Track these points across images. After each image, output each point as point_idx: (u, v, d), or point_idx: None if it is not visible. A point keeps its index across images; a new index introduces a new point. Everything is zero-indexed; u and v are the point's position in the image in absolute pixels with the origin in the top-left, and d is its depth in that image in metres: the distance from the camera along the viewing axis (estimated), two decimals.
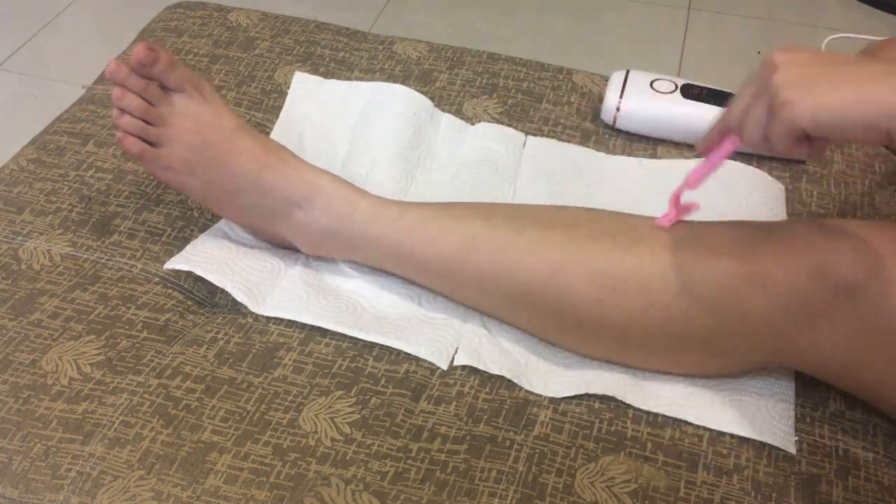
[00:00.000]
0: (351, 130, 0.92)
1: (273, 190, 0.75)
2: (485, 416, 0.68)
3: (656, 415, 0.68)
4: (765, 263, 0.63)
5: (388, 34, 1.08)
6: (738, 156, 0.89)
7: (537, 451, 0.66)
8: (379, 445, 0.65)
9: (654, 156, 0.91)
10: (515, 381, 0.70)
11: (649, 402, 0.69)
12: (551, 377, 0.71)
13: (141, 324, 0.73)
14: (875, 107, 0.54)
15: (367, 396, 0.69)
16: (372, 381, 0.70)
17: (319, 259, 0.80)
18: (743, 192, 0.85)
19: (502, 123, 0.93)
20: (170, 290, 0.77)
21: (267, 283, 0.77)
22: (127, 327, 0.73)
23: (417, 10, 2.03)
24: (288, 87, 0.97)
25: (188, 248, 0.80)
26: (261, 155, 0.75)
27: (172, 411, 0.67)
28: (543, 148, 0.91)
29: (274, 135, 0.91)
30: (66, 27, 1.99)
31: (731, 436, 0.67)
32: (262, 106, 0.95)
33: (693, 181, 0.68)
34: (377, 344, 0.72)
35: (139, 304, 0.75)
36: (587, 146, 0.92)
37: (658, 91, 0.92)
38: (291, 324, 0.74)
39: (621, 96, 0.92)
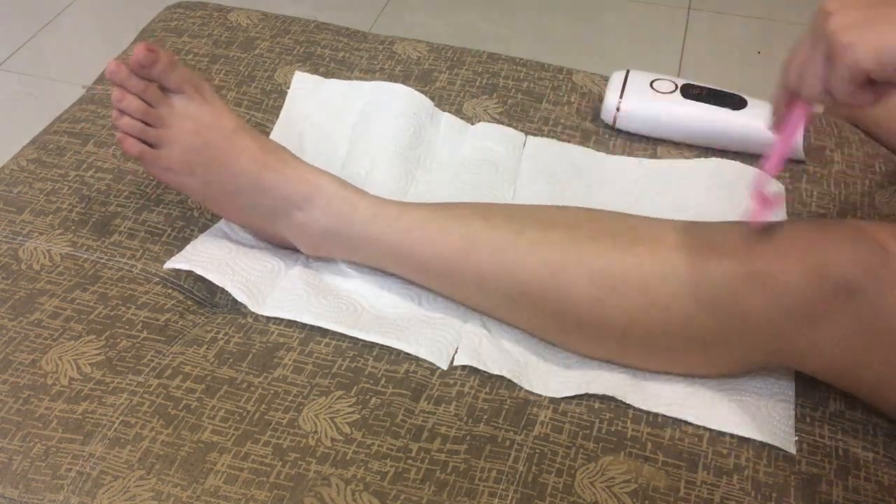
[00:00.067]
0: (351, 130, 0.92)
1: (273, 190, 0.75)
2: (485, 416, 0.68)
3: (656, 415, 0.68)
4: (765, 263, 0.63)
5: (388, 34, 1.08)
6: (738, 156, 0.89)
7: (537, 451, 0.66)
8: (379, 445, 0.65)
9: (654, 156, 0.91)
10: (515, 381, 0.70)
11: (649, 402, 0.69)
12: (551, 377, 0.71)
13: (141, 324, 0.73)
14: None
15: (367, 396, 0.69)
16: (372, 381, 0.70)
17: (319, 259, 0.80)
18: (743, 192, 0.85)
19: (502, 123, 0.93)
20: (170, 290, 0.77)
21: (267, 283, 0.77)
22: (127, 327, 0.73)
23: (417, 10, 2.04)
24: (288, 87, 0.97)
25: (188, 247, 0.80)
26: (260, 155, 0.75)
27: (172, 411, 0.67)
28: (543, 148, 0.91)
29: (274, 135, 0.91)
30: (66, 27, 1.99)
31: (731, 436, 0.67)
32: (262, 106, 0.95)
33: (773, 166, 0.65)
34: (377, 344, 0.72)
35: (139, 304, 0.75)
36: (587, 146, 0.92)
37: (658, 91, 0.92)
38: (291, 324, 0.74)
39: (621, 96, 0.92)
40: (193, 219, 0.83)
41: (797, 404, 0.70)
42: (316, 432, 0.66)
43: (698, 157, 0.90)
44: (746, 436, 0.67)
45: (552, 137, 0.92)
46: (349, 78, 0.99)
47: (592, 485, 0.63)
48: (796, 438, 0.67)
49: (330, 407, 0.68)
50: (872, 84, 0.57)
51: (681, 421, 0.68)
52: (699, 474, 0.64)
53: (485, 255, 0.71)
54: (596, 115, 0.95)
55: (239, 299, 0.76)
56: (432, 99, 0.94)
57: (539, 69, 1.01)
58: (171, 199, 0.85)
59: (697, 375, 0.71)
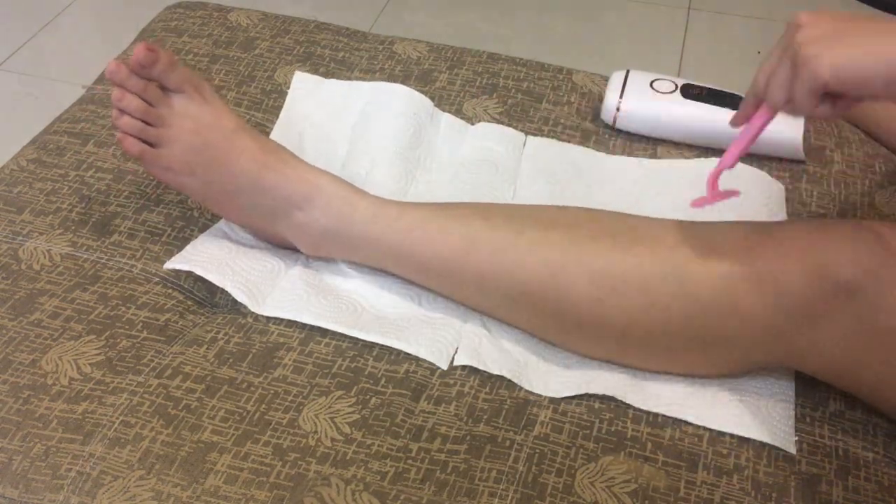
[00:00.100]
0: (351, 130, 0.92)
1: (273, 190, 0.75)
2: (485, 416, 0.68)
3: (656, 415, 0.68)
4: (765, 263, 0.63)
5: (388, 34, 1.08)
6: None
7: (537, 451, 0.66)
8: (379, 445, 0.65)
9: (654, 156, 0.91)
10: (515, 381, 0.70)
11: (649, 402, 0.69)
12: (551, 377, 0.71)
13: (141, 324, 0.73)
14: None
15: (367, 396, 0.69)
16: (372, 381, 0.70)
17: (319, 259, 0.80)
18: (743, 192, 0.85)
19: (502, 123, 0.93)
20: (170, 290, 0.77)
21: (267, 283, 0.77)
22: (127, 327, 0.73)
23: (417, 10, 2.04)
24: (288, 87, 0.97)
25: (188, 247, 0.80)
26: (260, 155, 0.75)
27: (172, 411, 0.67)
28: (543, 148, 0.91)
29: (274, 135, 0.91)
30: (66, 27, 1.99)
31: (731, 436, 0.67)
32: (262, 106, 0.95)
33: (729, 160, 0.66)
34: (377, 344, 0.72)
35: (139, 304, 0.75)
36: (587, 146, 0.92)
37: (658, 91, 0.92)
38: (291, 324, 0.74)
39: (621, 96, 0.92)
40: (193, 219, 0.83)
41: (797, 404, 0.70)
42: (316, 432, 0.66)
43: (698, 157, 0.90)
44: (746, 436, 0.67)
45: (552, 137, 0.92)
46: (349, 78, 0.99)
47: (592, 485, 0.63)
48: (796, 438, 0.67)
49: (330, 407, 0.68)
50: (832, 98, 0.59)
51: (681, 421, 0.68)
52: (699, 474, 0.64)
53: (485, 255, 0.71)
54: (596, 115, 0.95)
55: (239, 299, 0.76)
56: (432, 99, 0.94)
57: (539, 69, 1.01)
58: (171, 199, 0.85)
59: (697, 375, 0.71)
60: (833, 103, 0.59)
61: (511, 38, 1.95)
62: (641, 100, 0.92)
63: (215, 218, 0.83)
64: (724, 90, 0.93)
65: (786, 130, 0.88)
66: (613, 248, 0.68)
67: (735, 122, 0.68)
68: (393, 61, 1.02)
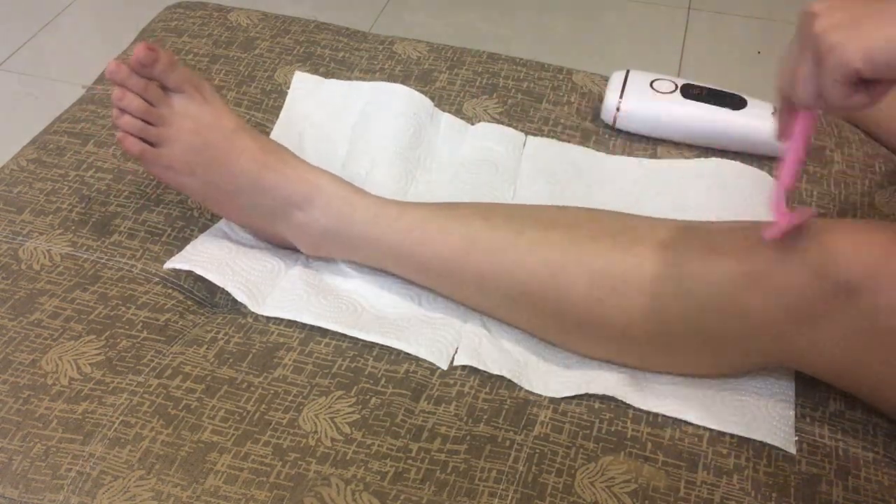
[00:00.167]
0: (351, 130, 0.92)
1: (273, 190, 0.75)
2: (485, 416, 0.68)
3: (656, 415, 0.68)
4: (765, 263, 0.63)
5: (388, 34, 1.08)
6: (738, 156, 0.89)
7: (537, 451, 0.66)
8: (379, 445, 0.65)
9: (654, 156, 0.91)
10: (515, 381, 0.70)
11: (649, 402, 0.69)
12: (551, 377, 0.71)
13: (141, 324, 0.73)
14: None
15: (367, 396, 0.69)
16: (372, 381, 0.70)
17: (319, 259, 0.80)
18: (743, 193, 0.85)
19: (502, 123, 0.93)
20: (170, 290, 0.77)
21: (267, 283, 0.77)
22: (127, 327, 0.73)
23: (417, 10, 2.03)
24: (288, 87, 0.97)
25: (188, 247, 0.80)
26: (261, 155, 0.75)
27: (172, 411, 0.67)
28: (543, 148, 0.91)
29: (274, 135, 0.91)
30: (66, 27, 1.99)
31: (731, 436, 0.67)
32: (262, 106, 0.95)
33: (787, 177, 0.63)
34: (377, 344, 0.72)
35: (139, 304, 0.75)
36: (587, 146, 0.92)
37: (658, 91, 0.92)
38: (291, 324, 0.74)
39: (621, 96, 0.92)
40: (193, 219, 0.83)
41: (797, 404, 0.70)
42: (316, 432, 0.66)
43: (698, 157, 0.90)
44: (746, 436, 0.67)
45: (552, 137, 0.92)
46: (349, 78, 0.99)
47: (592, 485, 0.63)
48: (796, 438, 0.67)
49: (330, 407, 0.68)
50: (865, 85, 0.56)
51: (681, 421, 0.68)
52: (699, 474, 0.64)
53: (485, 255, 0.71)
54: (596, 115, 0.95)
55: (239, 299, 0.76)
56: (432, 99, 0.94)
57: (539, 69, 1.01)
58: (171, 199, 0.85)
59: (697, 375, 0.71)
60: (867, 90, 0.56)
61: (511, 38, 1.95)
62: (641, 100, 0.92)
63: (215, 218, 0.83)
64: (724, 90, 0.93)
65: None
66: (613, 248, 0.68)
67: (780, 136, 0.64)
68: (393, 61, 1.02)
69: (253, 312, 0.75)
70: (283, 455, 0.64)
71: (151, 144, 0.75)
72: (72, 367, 0.70)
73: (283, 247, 0.80)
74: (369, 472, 0.64)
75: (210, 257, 0.78)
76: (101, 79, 1.01)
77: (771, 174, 0.87)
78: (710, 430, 0.67)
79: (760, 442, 0.66)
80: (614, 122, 0.93)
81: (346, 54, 1.02)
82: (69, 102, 0.98)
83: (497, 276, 0.70)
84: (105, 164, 0.88)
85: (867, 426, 0.69)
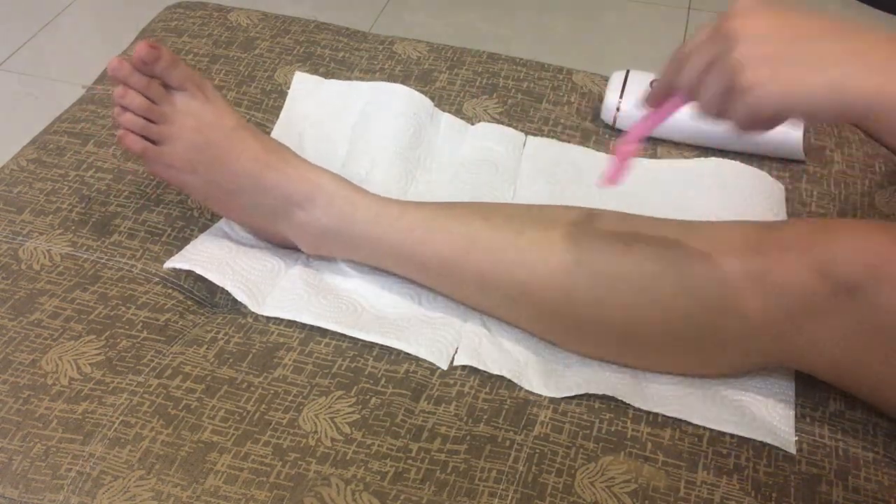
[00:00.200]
0: (351, 130, 0.92)
1: (274, 189, 0.75)
2: (485, 416, 0.68)
3: (656, 415, 0.68)
4: (765, 263, 0.63)
5: (388, 34, 1.08)
6: (738, 156, 0.89)
7: (537, 451, 0.66)
8: (379, 445, 0.65)
9: (654, 156, 0.91)
10: (515, 381, 0.70)
11: (649, 402, 0.69)
12: (551, 377, 0.71)
13: (141, 324, 0.73)
14: (851, 95, 0.49)
15: (367, 396, 0.69)
16: (372, 381, 0.70)
17: (319, 259, 0.80)
18: (743, 192, 0.85)
19: (502, 123, 0.93)
20: (170, 290, 0.77)
21: (267, 283, 0.77)
22: (127, 327, 0.73)
23: (417, 10, 2.04)
24: (288, 87, 0.97)
25: (188, 247, 0.80)
26: (262, 154, 0.75)
27: (172, 411, 0.67)
28: (543, 148, 0.91)
29: (274, 135, 0.91)
30: (66, 27, 1.99)
31: (731, 436, 0.67)
32: (262, 106, 0.95)
33: (634, 137, 0.62)
34: (377, 344, 0.72)
35: (139, 304, 0.75)
36: (587, 146, 0.92)
37: None
38: (291, 324, 0.74)
39: (621, 96, 0.92)
40: (193, 219, 0.83)
41: (797, 404, 0.70)
42: (316, 432, 0.66)
43: (698, 157, 0.90)
44: (746, 436, 0.67)
45: (552, 137, 0.92)
46: (349, 78, 0.99)
47: (592, 485, 0.63)
48: (796, 438, 0.67)
49: (330, 407, 0.68)
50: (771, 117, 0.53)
51: (681, 421, 0.68)
52: (699, 474, 0.64)
53: (485, 255, 0.71)
54: (596, 115, 0.95)
55: (239, 299, 0.76)
56: (432, 99, 0.94)
57: (539, 69, 1.01)
58: (171, 199, 0.85)
59: (698, 375, 0.71)
60: (770, 122, 0.54)
61: (511, 38, 1.95)
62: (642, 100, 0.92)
63: (215, 218, 0.83)
64: None
65: (786, 130, 0.88)
66: (614, 247, 0.68)
67: (651, 104, 0.62)
68: (393, 61, 1.02)
69: (253, 312, 0.75)
70: (283, 455, 0.64)
71: (153, 142, 0.75)
72: (72, 367, 0.70)
73: (284, 246, 0.80)
74: (369, 472, 0.64)
75: (210, 257, 0.78)
76: (101, 79, 1.01)
77: (771, 174, 0.87)
78: (710, 430, 0.67)
79: (760, 442, 0.66)
80: (614, 122, 0.93)
81: (346, 54, 1.02)
82: (69, 102, 0.98)
83: (497, 275, 0.70)
84: (105, 164, 0.88)
85: (867, 426, 0.69)
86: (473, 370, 0.71)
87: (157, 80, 0.74)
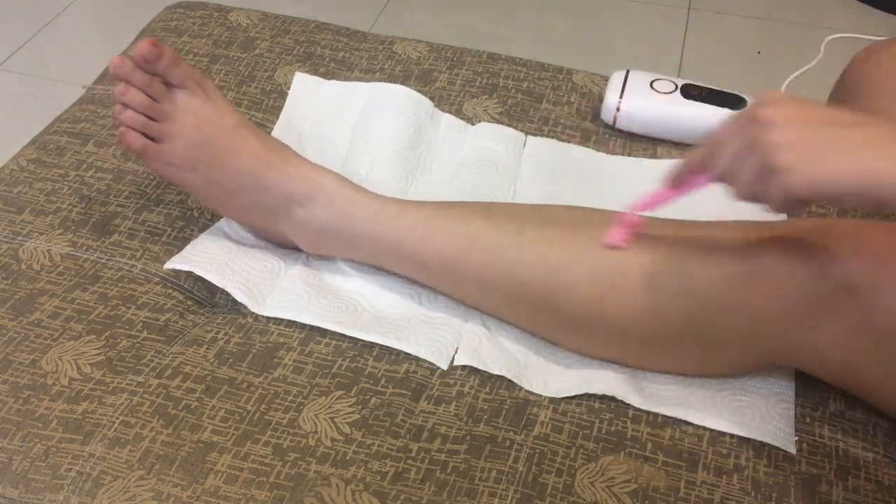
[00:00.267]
0: (351, 130, 0.92)
1: (275, 188, 0.75)
2: (485, 416, 0.68)
3: (656, 415, 0.68)
4: (765, 263, 0.63)
5: (388, 34, 1.08)
6: None
7: (537, 451, 0.66)
8: (379, 445, 0.65)
9: (654, 156, 0.91)
10: (515, 381, 0.70)
11: (649, 402, 0.69)
12: (551, 377, 0.71)
13: (141, 324, 0.73)
14: (876, 181, 0.51)
15: (367, 396, 0.69)
16: (372, 381, 0.70)
17: (319, 259, 0.80)
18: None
19: (502, 123, 0.93)
20: (170, 290, 0.77)
21: (267, 283, 0.77)
22: (127, 327, 0.73)
23: (417, 10, 2.04)
24: (288, 87, 0.97)
25: (188, 247, 0.80)
26: (263, 153, 0.75)
27: (172, 411, 0.67)
28: (543, 148, 0.91)
29: (274, 135, 0.91)
30: (66, 27, 1.99)
31: (731, 436, 0.67)
32: (262, 106, 0.95)
33: (644, 208, 0.66)
34: (377, 344, 0.72)
35: (139, 304, 0.75)
36: (587, 146, 0.92)
37: (658, 91, 0.92)
38: (291, 324, 0.74)
39: (621, 96, 0.92)
40: (193, 219, 0.83)
41: (797, 404, 0.70)
42: (316, 432, 0.66)
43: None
44: (746, 436, 0.67)
45: (552, 137, 0.92)
46: (349, 78, 0.99)
47: (592, 485, 0.63)
48: (796, 438, 0.67)
49: (330, 407, 0.68)
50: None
51: (681, 421, 0.68)
52: (699, 474, 0.64)
53: (485, 254, 0.71)
54: (596, 115, 0.95)
55: (239, 299, 0.76)
56: (432, 99, 0.94)
57: (539, 69, 1.01)
58: (171, 199, 0.85)
59: (697, 375, 0.71)
60: (806, 202, 0.56)
61: (511, 38, 1.95)
62: (641, 100, 0.92)
63: (215, 218, 0.83)
64: (724, 90, 0.93)
65: None
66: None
67: (672, 183, 0.65)
68: (393, 61, 1.02)
69: (253, 312, 0.75)
70: (283, 455, 0.64)
71: (153, 140, 0.75)
72: (72, 367, 0.70)
73: (284, 246, 0.80)
74: (369, 472, 0.64)
75: (210, 257, 0.78)
76: (101, 79, 1.01)
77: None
78: (710, 430, 0.67)
79: (760, 442, 0.66)
80: (614, 122, 0.93)
81: (346, 54, 1.02)
82: (69, 102, 0.98)
83: (498, 274, 0.70)
84: (105, 164, 0.88)
85: (867, 426, 0.69)
86: (473, 370, 0.71)
87: (159, 77, 0.74)
